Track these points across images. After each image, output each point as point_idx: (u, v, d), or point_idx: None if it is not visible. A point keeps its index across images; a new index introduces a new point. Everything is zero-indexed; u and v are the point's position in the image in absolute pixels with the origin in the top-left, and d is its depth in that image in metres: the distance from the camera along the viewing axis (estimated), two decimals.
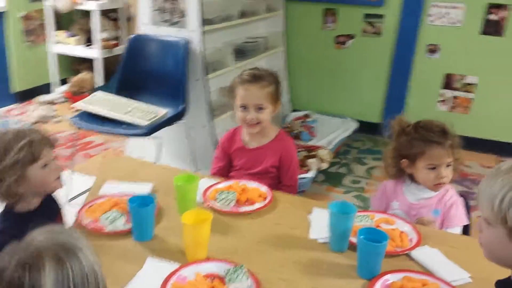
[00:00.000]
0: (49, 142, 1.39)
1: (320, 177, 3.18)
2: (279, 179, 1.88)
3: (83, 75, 4.58)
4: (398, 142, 1.61)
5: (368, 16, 3.83)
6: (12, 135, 1.32)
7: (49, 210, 1.46)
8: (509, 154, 3.48)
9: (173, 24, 2.91)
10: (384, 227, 1.42)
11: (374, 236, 1.22)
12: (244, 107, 1.81)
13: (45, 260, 0.77)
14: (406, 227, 1.42)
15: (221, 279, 1.20)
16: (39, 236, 0.82)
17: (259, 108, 1.79)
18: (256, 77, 1.80)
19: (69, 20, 4.67)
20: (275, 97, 1.83)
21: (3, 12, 4.15)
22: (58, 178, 1.41)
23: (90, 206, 1.51)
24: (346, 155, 3.60)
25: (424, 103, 3.81)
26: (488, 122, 3.64)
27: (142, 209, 1.35)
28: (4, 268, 0.77)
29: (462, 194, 1.63)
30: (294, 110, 4.11)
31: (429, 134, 1.53)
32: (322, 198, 2.93)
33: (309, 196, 2.83)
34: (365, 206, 2.81)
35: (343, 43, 4.01)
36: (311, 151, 3.12)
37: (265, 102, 1.80)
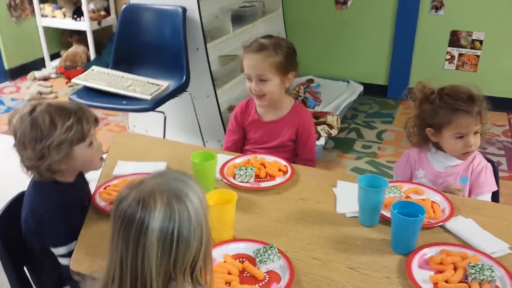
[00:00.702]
0: (95, 119, 1.34)
1: (330, 143, 3.12)
2: (296, 153, 1.82)
3: (75, 48, 4.43)
4: (422, 110, 1.53)
5: None
6: (56, 109, 1.26)
7: (82, 185, 1.43)
8: None
9: None
10: (414, 197, 1.37)
11: (409, 209, 1.17)
12: (249, 78, 1.73)
13: (157, 202, 0.82)
14: (437, 197, 1.37)
15: (251, 260, 1.15)
16: (156, 178, 0.87)
17: (262, 80, 1.71)
18: (260, 47, 1.71)
19: None
20: (283, 69, 1.72)
21: None
22: (102, 157, 1.39)
23: (105, 188, 1.45)
24: (354, 119, 3.54)
25: (430, 62, 3.73)
26: (496, 79, 3.57)
27: None
28: (122, 198, 0.85)
29: (489, 160, 1.57)
30: (296, 76, 4.00)
31: (456, 103, 1.44)
32: (334, 166, 2.88)
33: (321, 164, 2.80)
34: (380, 172, 2.77)
35: (344, 3, 3.87)
36: (319, 118, 3.04)
37: (269, 74, 1.70)
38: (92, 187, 1.47)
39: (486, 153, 2.86)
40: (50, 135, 1.23)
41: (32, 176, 1.32)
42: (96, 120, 1.34)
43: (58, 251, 1.28)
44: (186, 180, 0.89)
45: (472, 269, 1.07)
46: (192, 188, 0.87)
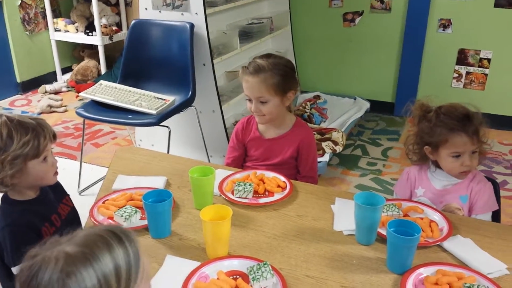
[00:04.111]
0: (53, 136, 1.34)
1: (334, 160, 3.11)
2: (297, 170, 1.82)
3: (86, 62, 4.51)
4: (420, 128, 1.53)
5: None
6: (15, 124, 1.26)
7: (47, 200, 1.41)
8: None
9: (176, 7, 2.81)
10: (412, 216, 1.36)
11: (405, 228, 1.16)
12: (249, 99, 1.75)
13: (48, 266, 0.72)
14: (436, 216, 1.36)
15: (245, 277, 1.14)
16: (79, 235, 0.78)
17: (261, 102, 1.72)
18: (258, 68, 1.70)
19: (67, 7, 4.57)
20: (282, 89, 1.71)
21: (1, 1, 4.05)
22: (56, 173, 1.39)
23: (104, 202, 1.46)
24: (359, 136, 3.53)
25: (438, 80, 3.72)
26: (505, 98, 3.54)
27: (158, 205, 1.29)
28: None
29: (490, 178, 1.56)
30: (303, 92, 4.02)
31: (452, 122, 1.44)
32: (338, 183, 2.86)
33: (325, 181, 2.78)
34: (384, 190, 2.75)
35: (352, 20, 3.89)
36: (324, 134, 3.04)
37: (267, 95, 1.70)
38: (92, 201, 1.48)
39: (492, 172, 2.83)
40: (6, 149, 1.23)
41: None
42: (54, 136, 1.34)
43: (13, 269, 1.28)
44: (107, 240, 0.77)
45: None
46: (111, 250, 0.76)
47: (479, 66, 3.59)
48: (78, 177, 2.68)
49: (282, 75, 1.71)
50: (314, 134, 3.04)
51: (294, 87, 1.77)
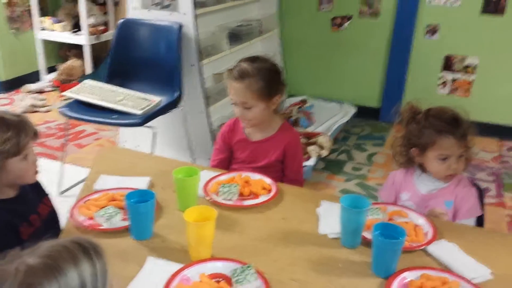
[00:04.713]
0: (35, 133, 1.31)
1: (320, 164, 3.11)
2: (283, 173, 1.80)
3: (72, 62, 4.44)
4: (408, 130, 1.53)
5: None
6: None
7: (25, 199, 1.38)
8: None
9: (164, 7, 2.78)
10: (397, 220, 1.35)
11: (390, 231, 1.15)
12: (235, 103, 1.73)
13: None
14: (420, 220, 1.35)
15: (228, 280, 1.12)
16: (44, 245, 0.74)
17: (246, 107, 1.70)
18: (242, 74, 1.68)
19: (55, 6, 4.51)
20: (267, 94, 1.69)
21: None
22: (36, 172, 1.36)
23: (85, 202, 1.42)
24: (345, 141, 3.53)
25: (424, 86, 3.74)
26: (489, 105, 3.58)
27: (141, 205, 1.27)
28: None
29: (475, 184, 1.56)
30: (290, 96, 4.02)
31: (441, 124, 1.45)
32: (323, 187, 2.86)
33: (310, 185, 2.77)
34: (368, 195, 2.75)
35: (340, 25, 3.90)
36: (310, 138, 3.04)
37: (252, 101, 1.68)
38: (73, 203, 1.45)
39: (475, 178, 2.85)
40: None
41: None
42: (36, 134, 1.32)
43: None
44: (73, 251, 0.73)
45: None
46: (77, 263, 0.72)
47: (465, 73, 3.62)
48: (59, 178, 2.63)
49: (267, 80, 1.69)
50: (301, 138, 3.04)
51: (280, 91, 1.74)
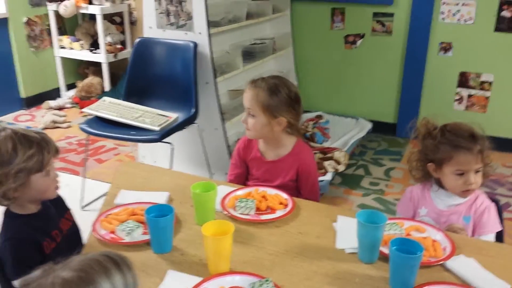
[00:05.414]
0: (56, 150, 1.35)
1: (337, 179, 3.11)
2: (299, 191, 1.81)
3: (90, 79, 4.54)
4: (424, 145, 1.54)
5: (377, 15, 3.76)
6: (20, 137, 1.27)
7: (48, 214, 1.41)
8: None
9: (179, 27, 2.84)
10: (415, 235, 1.35)
11: (408, 246, 1.15)
12: (245, 107, 1.77)
13: None
14: (439, 236, 1.35)
15: None
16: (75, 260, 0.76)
17: (250, 114, 1.73)
18: (256, 83, 1.73)
19: (73, 25, 4.63)
20: (272, 111, 1.69)
21: (6, 18, 4.11)
22: (57, 187, 1.39)
23: (106, 216, 1.46)
24: (362, 156, 3.53)
25: (439, 102, 3.74)
26: (506, 121, 3.56)
27: (160, 220, 1.29)
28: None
29: (493, 199, 1.56)
30: (305, 111, 4.04)
31: (457, 139, 1.45)
32: (341, 202, 2.86)
33: (328, 200, 2.78)
34: (387, 209, 2.74)
35: (353, 42, 3.94)
36: (326, 153, 3.04)
37: (255, 109, 1.71)
38: (94, 217, 1.48)
39: (495, 193, 2.82)
40: (10, 162, 1.24)
41: None
42: (57, 151, 1.35)
43: (13, 282, 1.28)
44: (104, 264, 0.76)
45: None
46: (109, 275, 0.75)
47: (481, 89, 3.61)
48: (80, 193, 2.68)
49: (277, 99, 1.70)
50: (317, 153, 3.05)
51: (289, 116, 1.73)
